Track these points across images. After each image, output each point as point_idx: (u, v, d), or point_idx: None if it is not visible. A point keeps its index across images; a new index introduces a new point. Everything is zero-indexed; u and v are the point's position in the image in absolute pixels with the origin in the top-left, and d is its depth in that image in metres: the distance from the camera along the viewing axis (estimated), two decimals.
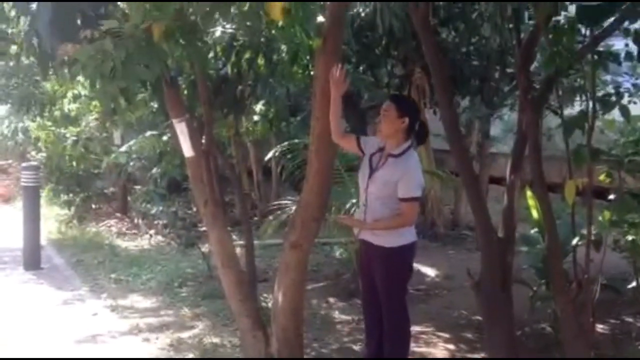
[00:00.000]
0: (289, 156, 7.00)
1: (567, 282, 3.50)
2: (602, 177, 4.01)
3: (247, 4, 3.31)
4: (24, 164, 8.48)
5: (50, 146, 10.98)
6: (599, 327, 5.25)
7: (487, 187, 9.75)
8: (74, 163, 11.06)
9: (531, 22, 4.46)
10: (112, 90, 3.09)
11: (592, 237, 3.97)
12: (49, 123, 11.09)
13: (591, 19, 2.82)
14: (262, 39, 5.35)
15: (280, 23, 4.23)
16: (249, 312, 4.48)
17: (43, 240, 8.66)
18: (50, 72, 4.08)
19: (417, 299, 6.20)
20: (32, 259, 7.86)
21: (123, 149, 9.90)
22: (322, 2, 3.88)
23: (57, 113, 10.87)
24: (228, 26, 4.83)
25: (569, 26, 3.06)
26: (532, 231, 5.30)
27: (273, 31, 4.96)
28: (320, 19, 3.94)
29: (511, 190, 3.69)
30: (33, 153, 12.08)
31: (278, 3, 3.03)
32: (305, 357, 4.44)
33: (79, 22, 3.36)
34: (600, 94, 3.65)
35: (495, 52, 7.55)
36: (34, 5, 3.64)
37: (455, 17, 7.38)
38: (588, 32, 3.14)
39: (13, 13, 4.47)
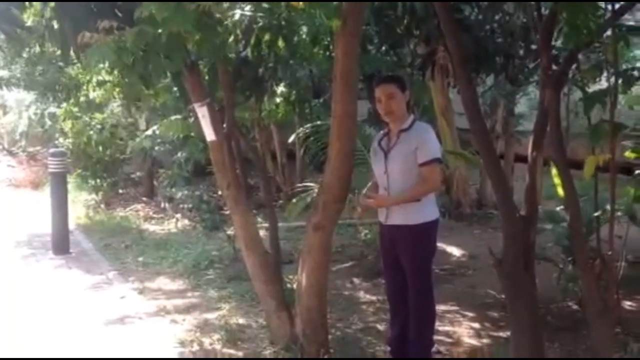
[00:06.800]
0: (312, 138, 7.01)
1: (592, 259, 3.45)
2: (628, 153, 3.95)
3: None
4: (51, 150, 8.55)
5: (76, 134, 11.12)
6: (627, 304, 5.21)
7: (513, 165, 9.69)
8: (100, 148, 11.20)
9: None
10: (132, 79, 3.08)
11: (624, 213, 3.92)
12: (75, 109, 11.21)
13: None
14: (282, 21, 5.32)
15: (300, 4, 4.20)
16: (273, 293, 4.53)
17: (71, 226, 8.78)
18: (73, 59, 4.10)
19: (443, 279, 6.20)
20: (61, 244, 7.98)
21: (148, 133, 10.00)
22: None
23: (82, 99, 10.98)
24: (247, 8, 4.82)
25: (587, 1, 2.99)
26: (558, 208, 5.24)
27: (293, 13, 4.92)
28: None
29: (533, 168, 3.62)
30: (60, 139, 12.20)
31: None
32: (329, 337, 4.47)
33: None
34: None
35: (519, 28, 7.46)
36: None
37: None
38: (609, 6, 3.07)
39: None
